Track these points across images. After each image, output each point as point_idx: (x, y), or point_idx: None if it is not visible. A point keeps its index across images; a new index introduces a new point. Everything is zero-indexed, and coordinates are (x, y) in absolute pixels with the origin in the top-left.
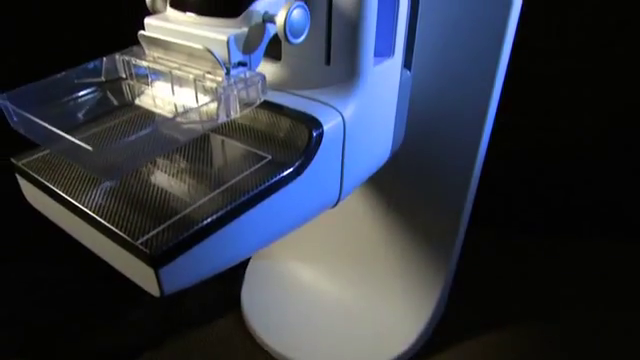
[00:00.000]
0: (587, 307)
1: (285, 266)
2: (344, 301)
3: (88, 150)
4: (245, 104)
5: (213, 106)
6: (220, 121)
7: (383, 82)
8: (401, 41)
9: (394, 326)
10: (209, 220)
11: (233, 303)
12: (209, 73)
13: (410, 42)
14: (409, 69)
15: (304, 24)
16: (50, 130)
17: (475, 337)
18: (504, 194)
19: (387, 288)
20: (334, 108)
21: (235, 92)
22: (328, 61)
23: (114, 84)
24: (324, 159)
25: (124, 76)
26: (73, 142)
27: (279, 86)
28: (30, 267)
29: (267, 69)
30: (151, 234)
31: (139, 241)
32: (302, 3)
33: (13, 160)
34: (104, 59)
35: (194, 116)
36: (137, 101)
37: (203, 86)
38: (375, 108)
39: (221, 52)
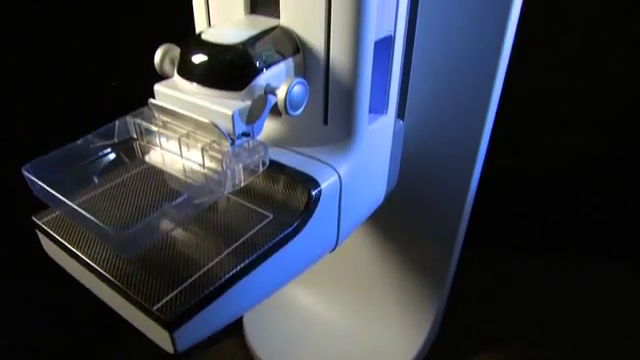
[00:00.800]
0: (582, 329)
1: (286, 291)
2: (342, 325)
3: (107, 231)
4: (249, 172)
5: (220, 177)
6: (226, 192)
7: (377, 138)
8: (394, 98)
9: (390, 349)
10: (219, 282)
11: (236, 326)
12: (215, 142)
13: (403, 93)
14: (402, 119)
15: (303, 98)
16: (70, 206)
17: (468, 359)
18: (494, 213)
19: (383, 313)
20: (331, 166)
21: (240, 165)
22: (325, 121)
23: (126, 144)
24: (322, 214)
25: (135, 136)
26: (93, 221)
27: (279, 142)
28: (34, 291)
29: (268, 125)
30: (166, 299)
31: (155, 307)
32: (302, 79)
33: (34, 218)
34: (117, 122)
35: (202, 188)
36: (147, 158)
37: (210, 155)
38: (370, 162)
39: (226, 125)
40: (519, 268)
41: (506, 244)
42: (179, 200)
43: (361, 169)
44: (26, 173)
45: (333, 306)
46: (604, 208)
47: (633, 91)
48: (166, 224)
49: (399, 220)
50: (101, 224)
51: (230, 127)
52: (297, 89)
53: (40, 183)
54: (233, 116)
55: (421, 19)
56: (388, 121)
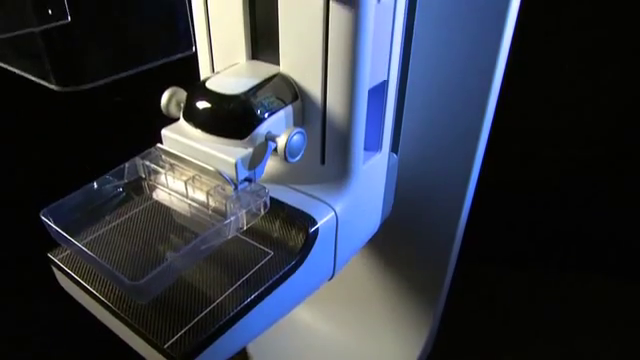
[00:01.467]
0: (578, 345)
1: None
2: (340, 340)
3: (124, 280)
4: (252, 214)
5: (224, 223)
6: (230, 236)
7: (372, 175)
8: (388, 135)
9: None
10: (226, 319)
11: None
12: (219, 186)
13: (397, 128)
14: (396, 152)
15: (301, 147)
16: (88, 254)
17: None
18: (490, 228)
19: (379, 330)
20: (327, 204)
21: (243, 211)
22: (323, 161)
23: (135, 183)
24: (320, 250)
25: (143, 176)
26: (111, 270)
27: (279, 179)
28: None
29: (268, 163)
30: (177, 337)
31: (166, 345)
32: (301, 130)
33: (50, 255)
34: (126, 164)
35: (209, 235)
36: (154, 195)
37: (214, 198)
38: (365, 197)
39: (229, 172)
40: (514, 283)
41: (501, 259)
42: (188, 247)
43: (357, 205)
44: (44, 218)
45: (331, 322)
46: (599, 223)
47: (628, 104)
48: (177, 270)
49: (394, 242)
50: (118, 273)
51: (233, 174)
52: (296, 138)
53: (59, 230)
54: (236, 164)
55: (414, 60)
56: (382, 157)
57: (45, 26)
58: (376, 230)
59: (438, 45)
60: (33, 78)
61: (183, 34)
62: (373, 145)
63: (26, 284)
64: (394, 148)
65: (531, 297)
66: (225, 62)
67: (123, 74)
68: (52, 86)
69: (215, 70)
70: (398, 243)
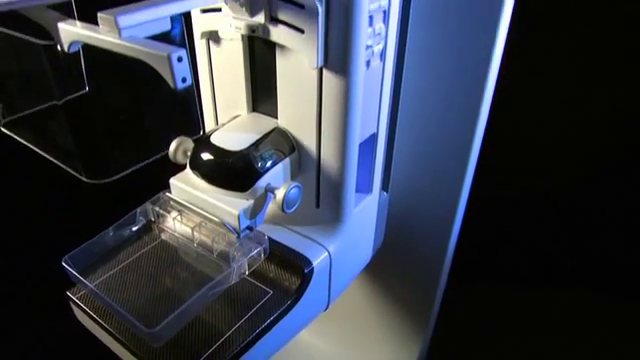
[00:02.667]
0: None
1: None
2: (336, 357)
3: (140, 326)
4: (253, 259)
5: (228, 271)
6: (232, 282)
7: (363, 215)
8: (378, 177)
9: None
10: (234, 352)
11: None
12: (223, 233)
13: (387, 169)
14: (386, 191)
15: (297, 199)
16: (106, 300)
17: None
18: (481, 244)
19: (373, 347)
20: (322, 245)
21: (245, 259)
22: (318, 205)
23: (147, 226)
24: (315, 287)
25: (153, 219)
26: (128, 317)
27: (278, 220)
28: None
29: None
30: None
31: None
32: (298, 184)
33: (68, 293)
34: (138, 210)
35: (214, 284)
36: (164, 237)
37: (218, 245)
38: (357, 236)
39: (233, 222)
40: (505, 300)
41: (493, 276)
42: (198, 294)
43: (349, 244)
44: (66, 265)
45: (328, 339)
46: (591, 239)
47: (619, 122)
48: (188, 316)
49: (386, 266)
50: (134, 320)
51: (236, 224)
52: (293, 192)
53: (79, 277)
54: (239, 216)
55: (402, 113)
56: (373, 198)
57: (65, 98)
58: (368, 261)
59: (426, 92)
60: (69, 170)
61: (195, 121)
62: (364, 188)
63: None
64: (384, 186)
65: (522, 313)
66: (228, 113)
67: (143, 163)
68: (83, 178)
69: (219, 120)
70: (390, 267)
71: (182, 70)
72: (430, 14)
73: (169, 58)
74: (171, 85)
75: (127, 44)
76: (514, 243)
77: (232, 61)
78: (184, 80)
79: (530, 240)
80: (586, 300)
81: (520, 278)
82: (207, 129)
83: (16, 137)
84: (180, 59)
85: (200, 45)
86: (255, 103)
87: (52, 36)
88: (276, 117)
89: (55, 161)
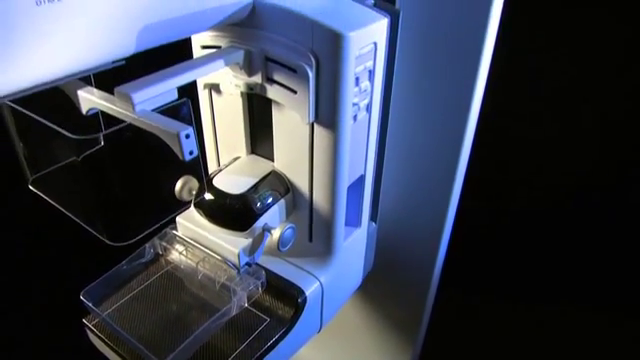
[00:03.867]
0: None
1: None
2: None
3: (152, 357)
4: (252, 292)
5: (229, 305)
6: (233, 314)
7: (353, 247)
8: (367, 211)
9: None
10: None
11: None
12: (224, 269)
13: (375, 202)
14: (375, 221)
15: (291, 239)
16: (121, 332)
17: None
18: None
19: (365, 357)
20: (314, 276)
21: (245, 293)
22: (310, 240)
23: (155, 258)
24: (308, 314)
25: (161, 253)
26: (141, 348)
27: (274, 252)
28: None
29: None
30: None
31: None
32: (292, 225)
33: (85, 321)
34: (147, 245)
35: (217, 318)
36: (170, 269)
37: (221, 278)
38: (347, 266)
39: (233, 259)
40: (495, 315)
41: (481, 292)
42: (203, 327)
43: (340, 273)
44: (84, 299)
45: (322, 354)
46: (581, 255)
47: (610, 137)
48: (195, 345)
49: (377, 288)
50: (147, 351)
51: (237, 261)
52: (287, 232)
53: (95, 310)
54: (239, 254)
55: (388, 150)
56: (362, 230)
57: (84, 154)
58: (359, 285)
59: (411, 131)
60: (93, 232)
61: (200, 177)
62: (354, 222)
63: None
64: (373, 217)
65: (511, 329)
66: (229, 153)
67: (162, 222)
68: (106, 240)
69: (220, 161)
70: (381, 287)
71: (189, 145)
72: (413, 66)
73: (178, 136)
74: (180, 157)
75: (141, 118)
76: (503, 261)
77: (232, 111)
78: (191, 153)
79: (517, 256)
80: (578, 316)
81: (506, 295)
82: (210, 166)
83: (43, 195)
84: (188, 136)
85: (203, 94)
86: (253, 146)
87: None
88: (272, 160)
89: (78, 221)
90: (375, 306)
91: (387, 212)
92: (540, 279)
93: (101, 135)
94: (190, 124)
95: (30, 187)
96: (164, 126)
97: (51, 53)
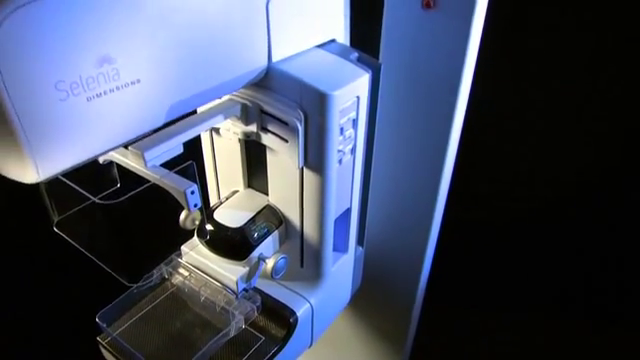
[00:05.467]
0: None
1: None
2: None
3: None
4: (249, 315)
5: (228, 327)
6: (231, 335)
7: (341, 271)
8: (354, 237)
9: None
10: None
11: None
12: (224, 294)
13: (361, 228)
14: (362, 245)
15: (284, 268)
16: (133, 353)
17: None
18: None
19: None
20: (305, 298)
21: (242, 316)
22: (302, 265)
23: (162, 282)
24: (300, 332)
25: (167, 277)
26: None
27: (269, 276)
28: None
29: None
30: None
31: None
32: (284, 256)
33: (98, 339)
34: (154, 271)
35: (219, 338)
36: (175, 292)
37: (221, 301)
38: (335, 288)
39: (232, 286)
40: (479, 326)
41: (465, 304)
42: (204, 349)
43: (329, 294)
44: (99, 321)
45: None
46: (568, 267)
47: (599, 147)
48: None
49: (365, 301)
50: None
51: (235, 288)
52: (280, 262)
53: (110, 332)
54: (237, 281)
55: (373, 183)
56: (349, 255)
57: (106, 201)
58: (347, 302)
59: (393, 166)
60: (113, 273)
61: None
62: (341, 248)
63: None
64: (360, 242)
65: (495, 339)
66: (227, 187)
67: (168, 258)
68: (124, 282)
69: (220, 192)
70: (369, 301)
71: (194, 199)
72: (394, 110)
73: (185, 192)
74: (186, 210)
75: (151, 173)
76: (487, 273)
77: (231, 151)
78: (196, 205)
79: (500, 268)
80: (562, 325)
81: (490, 306)
82: (210, 196)
83: (66, 237)
84: (193, 192)
85: (204, 135)
86: (250, 181)
87: None
88: (267, 194)
89: (100, 263)
90: (364, 319)
91: (373, 235)
92: (524, 290)
93: (124, 199)
94: (195, 182)
95: (54, 229)
96: (172, 183)
97: (101, 135)
